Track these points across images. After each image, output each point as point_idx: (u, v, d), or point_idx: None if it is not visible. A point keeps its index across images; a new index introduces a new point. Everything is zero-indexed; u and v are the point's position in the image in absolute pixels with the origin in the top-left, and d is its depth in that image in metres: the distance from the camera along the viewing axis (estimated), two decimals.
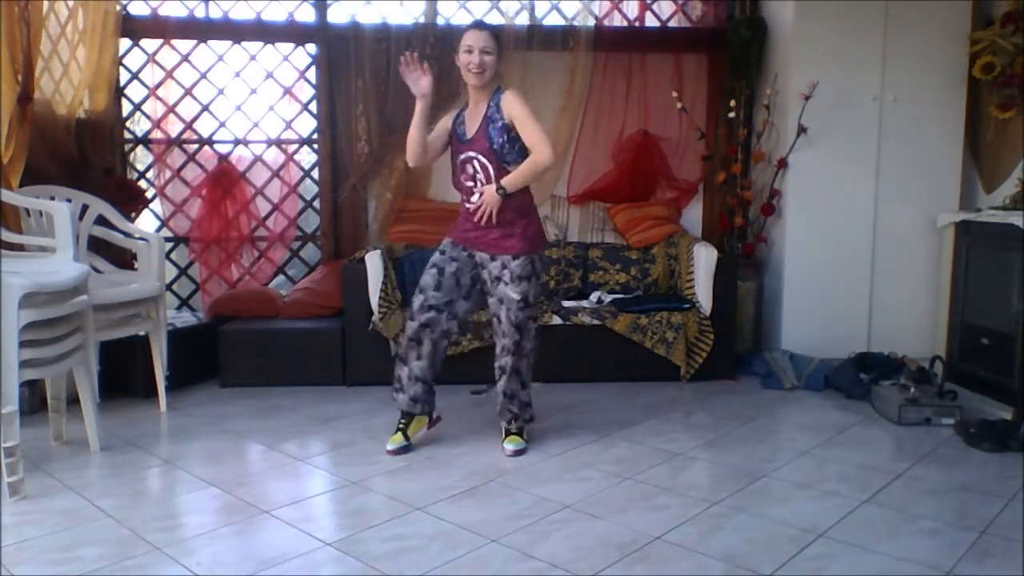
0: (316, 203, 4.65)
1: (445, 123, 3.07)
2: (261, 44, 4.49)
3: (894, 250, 4.19)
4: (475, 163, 2.94)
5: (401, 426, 3.08)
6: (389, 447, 3.02)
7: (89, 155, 4.04)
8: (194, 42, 4.45)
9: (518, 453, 3.01)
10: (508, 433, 3.09)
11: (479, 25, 2.94)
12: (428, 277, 2.99)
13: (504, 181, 2.89)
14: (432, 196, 4.58)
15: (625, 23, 4.63)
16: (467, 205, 3.00)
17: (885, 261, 4.20)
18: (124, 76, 4.42)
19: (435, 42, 4.40)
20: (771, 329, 4.34)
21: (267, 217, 4.60)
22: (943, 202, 4.13)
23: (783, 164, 4.17)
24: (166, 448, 3.12)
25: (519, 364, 3.04)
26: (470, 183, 2.99)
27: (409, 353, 3.02)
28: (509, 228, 2.96)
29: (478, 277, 3.04)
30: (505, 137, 2.90)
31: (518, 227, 2.97)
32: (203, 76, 4.48)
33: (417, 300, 2.99)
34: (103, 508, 2.50)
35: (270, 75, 4.51)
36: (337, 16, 4.49)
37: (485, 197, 2.91)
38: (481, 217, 2.92)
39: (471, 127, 2.96)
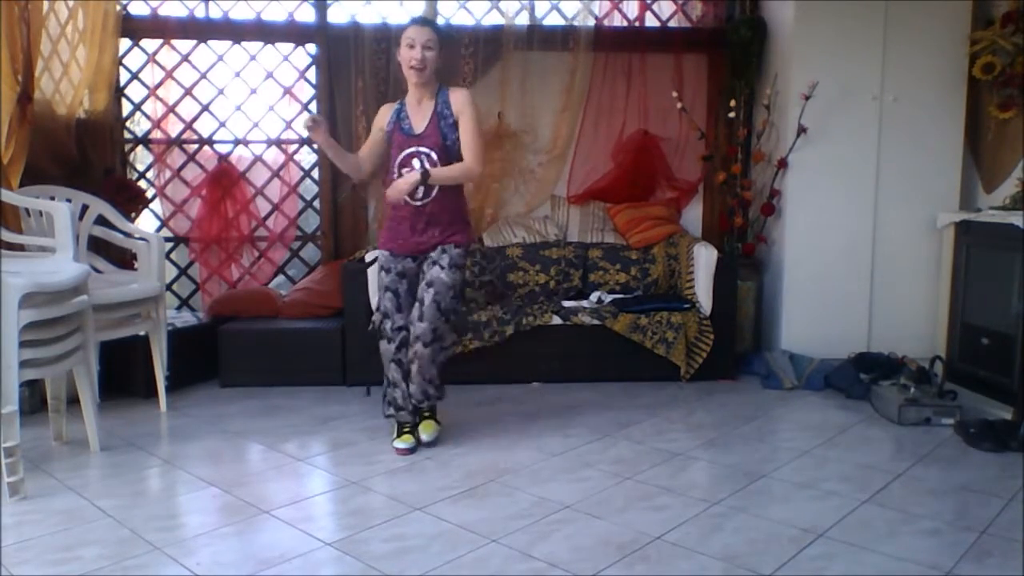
0: (316, 203, 4.65)
1: (380, 122, 3.08)
2: (261, 44, 4.49)
3: (894, 250, 4.19)
4: (422, 158, 2.94)
5: (407, 429, 3.08)
6: (400, 445, 3.02)
7: (89, 155, 4.04)
8: (194, 42, 4.45)
9: (430, 444, 3.07)
10: (423, 417, 3.12)
11: (421, 21, 2.97)
12: (387, 302, 3.02)
13: (433, 171, 2.91)
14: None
15: (625, 23, 4.63)
16: (408, 202, 2.95)
17: (885, 261, 4.19)
18: (124, 76, 4.42)
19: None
20: (771, 329, 4.34)
21: (267, 217, 4.59)
22: (943, 202, 4.13)
23: (783, 164, 4.17)
24: (166, 448, 3.12)
25: (437, 356, 3.01)
26: None
27: (395, 374, 3.05)
28: (450, 226, 3.01)
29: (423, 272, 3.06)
30: (455, 135, 2.95)
31: (458, 225, 3.04)
32: (203, 76, 4.48)
33: (386, 324, 3.02)
34: (103, 508, 2.50)
35: (270, 75, 4.51)
36: (337, 16, 4.49)
37: (407, 178, 2.90)
38: (395, 195, 2.91)
39: (418, 122, 2.97)
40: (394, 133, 3.01)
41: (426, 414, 3.14)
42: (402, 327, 3.01)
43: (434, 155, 2.94)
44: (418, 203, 2.96)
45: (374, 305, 3.82)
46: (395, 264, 3.03)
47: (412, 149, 2.96)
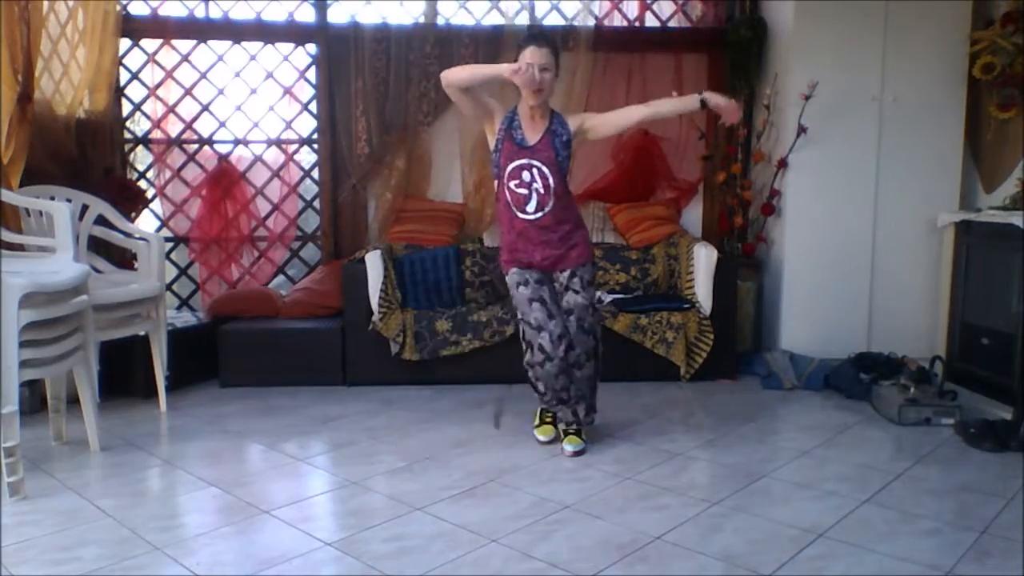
0: (316, 203, 4.64)
1: (495, 112, 2.95)
2: (261, 44, 4.49)
3: (894, 250, 4.19)
4: (533, 171, 2.88)
5: (548, 419, 3.14)
6: (543, 438, 3.08)
7: (89, 155, 4.04)
8: (194, 42, 4.45)
9: (577, 454, 3.01)
10: (567, 433, 3.09)
11: (540, 39, 2.84)
12: (538, 314, 2.90)
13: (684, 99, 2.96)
14: (432, 196, 4.58)
15: (625, 23, 4.63)
16: (521, 216, 2.91)
17: (885, 261, 4.19)
18: (124, 76, 4.42)
19: (435, 42, 4.41)
20: (771, 329, 4.34)
21: (267, 217, 4.59)
22: (943, 202, 4.13)
23: (783, 164, 4.17)
24: (166, 448, 3.12)
25: (596, 368, 3.04)
26: (523, 191, 2.90)
27: (561, 393, 2.97)
28: (571, 239, 2.96)
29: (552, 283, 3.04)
30: (567, 152, 2.92)
31: (578, 236, 3.00)
32: (203, 76, 4.48)
33: (543, 339, 2.88)
34: (103, 508, 2.50)
35: (270, 75, 4.51)
36: (337, 16, 4.49)
37: (731, 104, 2.86)
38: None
39: (531, 135, 2.91)
40: (504, 141, 2.92)
41: (573, 430, 3.09)
42: (562, 335, 2.89)
43: (546, 169, 2.88)
44: (532, 216, 2.91)
45: (374, 305, 3.84)
46: (529, 276, 2.96)
47: (524, 161, 2.89)
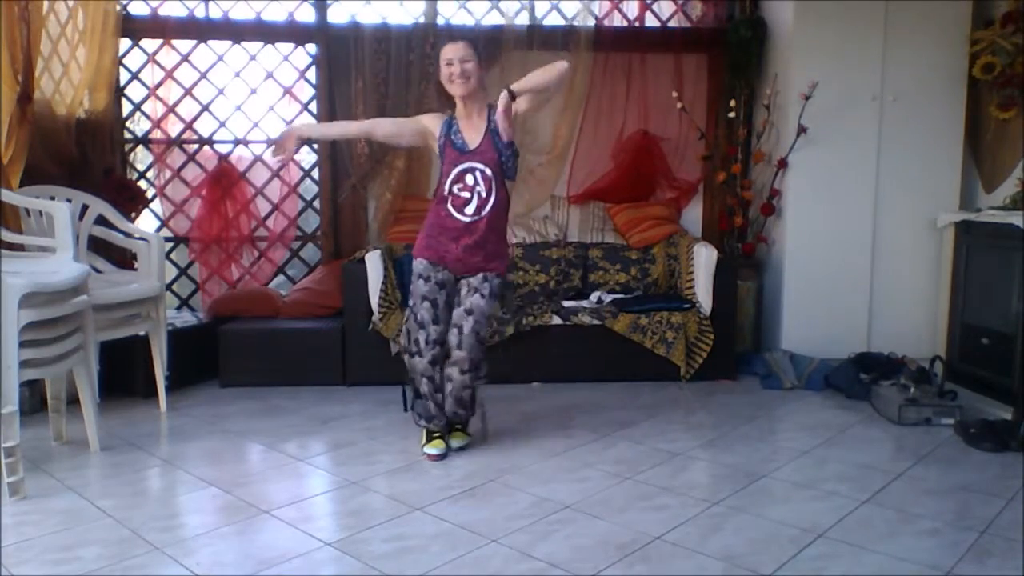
0: (316, 203, 4.65)
1: (428, 125, 3.00)
2: (261, 44, 4.49)
3: (894, 250, 4.19)
4: (476, 173, 2.90)
5: (437, 435, 3.04)
6: (432, 451, 2.97)
7: (89, 155, 4.04)
8: (194, 42, 4.45)
9: (462, 448, 3.05)
10: (454, 429, 3.09)
11: (453, 38, 2.93)
12: (424, 312, 2.92)
13: (515, 86, 2.81)
14: (432, 196, 4.57)
15: (625, 23, 4.63)
16: (457, 216, 2.91)
17: (885, 261, 4.19)
18: (124, 76, 4.42)
19: (435, 42, 4.40)
20: (771, 329, 4.34)
21: (267, 217, 4.60)
22: (943, 202, 4.13)
23: (783, 164, 4.17)
24: (166, 448, 3.12)
25: (474, 383, 2.99)
26: (466, 194, 2.90)
27: (428, 388, 2.99)
28: (492, 251, 2.96)
29: (456, 289, 3.01)
30: (510, 151, 2.92)
31: (502, 249, 3.02)
32: (203, 76, 4.48)
33: (420, 336, 2.92)
34: (103, 508, 2.50)
35: (270, 75, 4.51)
36: (337, 16, 4.49)
37: (501, 105, 2.79)
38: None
39: (472, 137, 2.93)
40: (445, 148, 2.94)
41: (457, 426, 3.11)
42: (437, 341, 2.92)
43: (488, 171, 2.89)
44: (468, 219, 2.91)
45: (374, 305, 3.84)
46: (434, 273, 2.95)
47: (466, 165, 2.90)
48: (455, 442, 3.06)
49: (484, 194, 2.90)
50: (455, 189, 2.92)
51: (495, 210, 2.92)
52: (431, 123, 3.02)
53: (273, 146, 3.04)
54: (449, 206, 2.93)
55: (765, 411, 3.61)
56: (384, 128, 3.14)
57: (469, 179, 2.91)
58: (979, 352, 3.71)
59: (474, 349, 2.92)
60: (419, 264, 2.98)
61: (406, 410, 3.25)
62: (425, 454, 2.98)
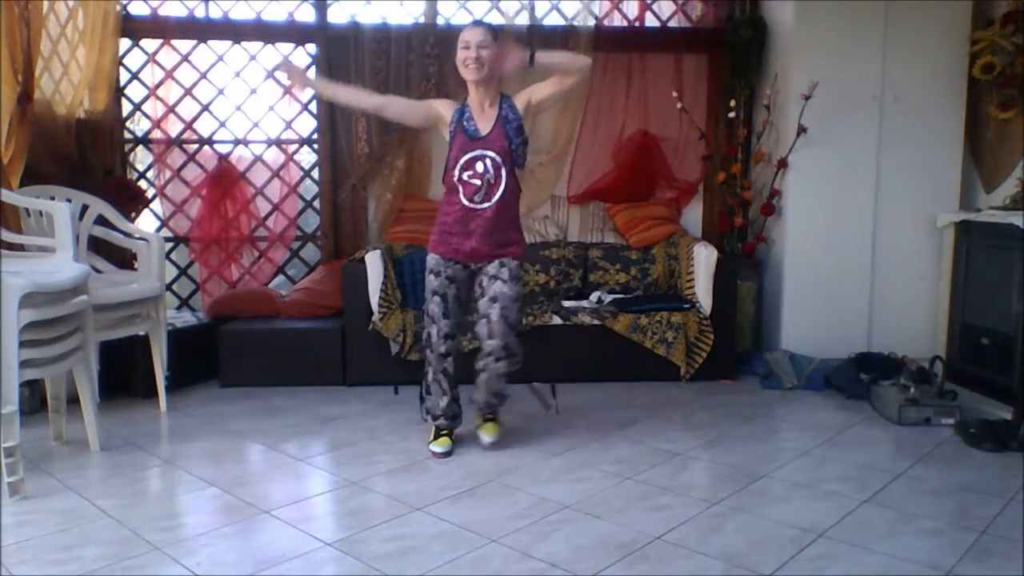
0: (316, 203, 4.64)
1: (441, 110, 3.01)
2: (261, 44, 4.49)
3: (894, 250, 4.19)
4: (486, 161, 2.90)
5: (444, 432, 3.05)
6: (438, 449, 2.98)
7: (89, 155, 4.04)
8: (194, 42, 4.45)
9: (494, 445, 3.05)
10: (486, 420, 3.11)
11: (475, 23, 2.95)
12: (435, 307, 2.95)
13: (539, 54, 2.87)
14: (432, 196, 4.57)
15: (625, 23, 4.63)
16: (467, 204, 2.93)
17: (885, 261, 4.19)
18: (124, 76, 4.42)
19: (435, 42, 4.40)
20: (771, 329, 4.34)
21: (267, 217, 4.59)
22: (943, 202, 4.13)
23: (783, 164, 4.17)
24: (166, 448, 3.12)
25: (511, 369, 2.97)
26: (476, 181, 2.91)
27: (443, 385, 3.00)
28: (506, 237, 2.96)
29: (473, 283, 3.02)
30: (520, 139, 2.93)
31: (515, 236, 3.00)
32: (203, 76, 4.48)
33: (433, 330, 2.96)
34: (103, 508, 2.50)
35: (270, 75, 4.51)
36: (337, 16, 4.49)
37: (514, 56, 2.85)
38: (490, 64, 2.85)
39: (483, 125, 2.93)
40: (456, 134, 2.94)
41: (489, 416, 3.12)
42: (449, 335, 2.95)
43: (499, 158, 2.90)
44: (479, 206, 2.91)
45: (374, 305, 3.84)
46: (445, 268, 2.96)
47: (477, 152, 2.90)
48: (487, 436, 3.05)
49: (493, 181, 2.91)
50: (465, 176, 2.93)
51: (505, 197, 2.93)
52: (443, 109, 3.02)
53: (282, 67, 3.07)
54: (460, 195, 2.94)
55: (765, 411, 3.61)
56: (397, 107, 3.09)
57: (479, 166, 2.91)
58: (979, 352, 3.71)
59: (506, 335, 2.90)
60: (431, 259, 3.00)
61: (396, 393, 3.26)
62: (431, 451, 2.99)
